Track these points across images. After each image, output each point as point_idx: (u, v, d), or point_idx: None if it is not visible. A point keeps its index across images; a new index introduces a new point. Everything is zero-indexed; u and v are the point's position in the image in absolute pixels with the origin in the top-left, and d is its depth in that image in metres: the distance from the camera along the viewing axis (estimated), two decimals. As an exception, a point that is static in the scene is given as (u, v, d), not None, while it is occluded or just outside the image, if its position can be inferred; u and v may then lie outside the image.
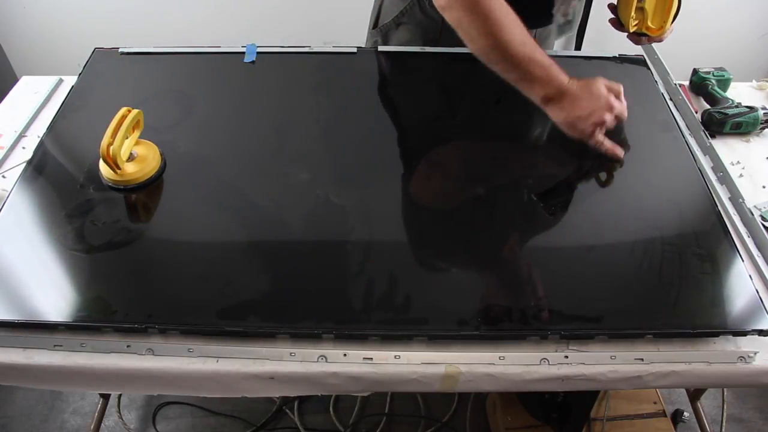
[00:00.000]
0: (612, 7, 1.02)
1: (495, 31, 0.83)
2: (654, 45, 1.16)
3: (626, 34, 1.01)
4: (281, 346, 0.71)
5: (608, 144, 0.90)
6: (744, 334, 0.72)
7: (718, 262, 0.79)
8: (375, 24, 1.18)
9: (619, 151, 0.90)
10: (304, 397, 1.49)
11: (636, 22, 0.97)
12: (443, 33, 1.10)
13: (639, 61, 1.13)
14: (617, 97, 0.89)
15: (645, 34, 0.98)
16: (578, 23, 1.15)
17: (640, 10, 0.95)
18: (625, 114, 0.89)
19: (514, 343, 0.72)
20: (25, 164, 0.91)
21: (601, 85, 0.87)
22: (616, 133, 0.96)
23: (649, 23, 0.96)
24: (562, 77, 0.86)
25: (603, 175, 0.91)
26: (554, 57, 1.13)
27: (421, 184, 0.91)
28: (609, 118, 0.87)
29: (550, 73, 0.86)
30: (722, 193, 0.92)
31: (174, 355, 0.70)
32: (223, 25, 1.91)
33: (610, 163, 0.91)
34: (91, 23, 1.87)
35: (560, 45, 1.18)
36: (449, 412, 1.49)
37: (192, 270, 0.78)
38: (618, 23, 1.01)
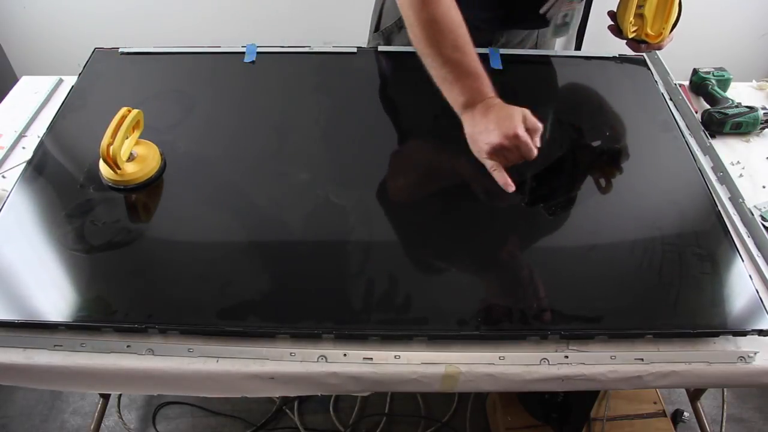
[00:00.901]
0: (611, 14, 1.01)
1: (430, 25, 0.83)
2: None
3: (625, 41, 1.01)
4: (281, 346, 0.71)
5: (498, 174, 0.84)
6: (744, 334, 0.72)
7: (718, 262, 0.79)
8: (377, 27, 1.18)
9: (509, 185, 0.83)
10: (304, 397, 1.49)
11: (635, 28, 0.96)
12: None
13: (639, 61, 1.13)
14: (532, 132, 0.81)
15: (644, 41, 0.97)
16: (577, 25, 1.15)
17: (640, 16, 0.94)
18: (532, 154, 0.81)
19: (514, 343, 0.72)
20: (25, 164, 0.91)
21: (517, 111, 0.82)
22: (615, 138, 0.96)
23: (648, 30, 0.95)
24: (486, 89, 0.84)
25: (603, 176, 0.91)
26: (554, 57, 1.14)
27: (420, 185, 0.91)
28: (507, 143, 0.80)
29: (474, 82, 0.84)
30: (722, 193, 0.92)
31: (174, 355, 0.70)
32: (223, 25, 1.91)
33: (611, 164, 0.91)
34: (91, 23, 1.87)
35: (561, 45, 1.18)
36: (449, 412, 1.49)
37: (192, 270, 0.78)
38: (617, 30, 1.00)
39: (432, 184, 0.92)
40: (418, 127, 1.01)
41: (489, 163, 0.84)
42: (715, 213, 0.85)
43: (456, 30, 0.84)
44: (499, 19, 1.08)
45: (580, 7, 1.12)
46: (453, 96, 0.85)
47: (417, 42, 0.86)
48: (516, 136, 0.80)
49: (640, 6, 0.93)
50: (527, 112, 0.83)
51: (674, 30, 0.96)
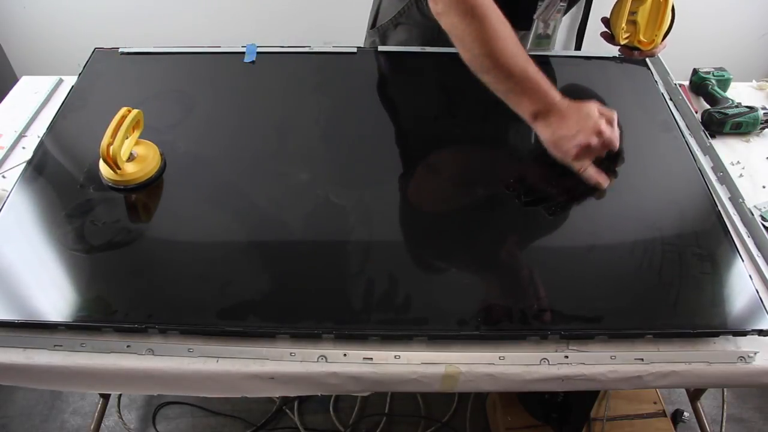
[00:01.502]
0: (605, 21, 1.01)
1: (489, 39, 0.82)
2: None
3: (618, 47, 1.00)
4: (281, 346, 0.71)
5: (592, 171, 0.86)
6: (744, 334, 0.72)
7: (718, 262, 0.79)
8: (373, 24, 1.18)
9: (603, 180, 0.86)
10: (304, 397, 1.49)
11: (627, 34, 0.95)
12: (441, 33, 1.10)
13: (639, 61, 1.13)
14: (609, 123, 0.84)
15: (636, 48, 0.96)
16: (556, 39, 1.15)
17: (632, 23, 0.93)
18: (616, 144, 0.84)
19: (514, 343, 0.72)
20: (25, 164, 0.91)
21: (593, 107, 0.84)
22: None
23: (641, 37, 0.94)
24: (553, 93, 0.84)
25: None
26: (554, 57, 1.14)
27: (420, 185, 0.91)
28: (595, 142, 0.82)
29: (540, 89, 0.83)
30: (722, 193, 0.92)
31: (174, 355, 0.70)
32: (223, 25, 1.91)
33: (611, 164, 0.91)
34: (91, 23, 1.87)
35: (561, 45, 1.18)
36: (449, 412, 1.49)
37: (192, 270, 0.78)
38: (609, 36, 1.00)
39: (431, 184, 0.92)
40: (418, 128, 1.01)
41: (577, 165, 0.85)
42: (715, 213, 0.85)
43: (509, 32, 0.83)
44: None
45: (560, 22, 1.11)
46: (523, 107, 0.85)
47: (472, 57, 0.85)
48: (601, 133, 0.82)
49: (632, 12, 0.93)
50: (597, 103, 0.84)
51: (667, 37, 0.96)
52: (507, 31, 0.83)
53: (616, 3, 0.96)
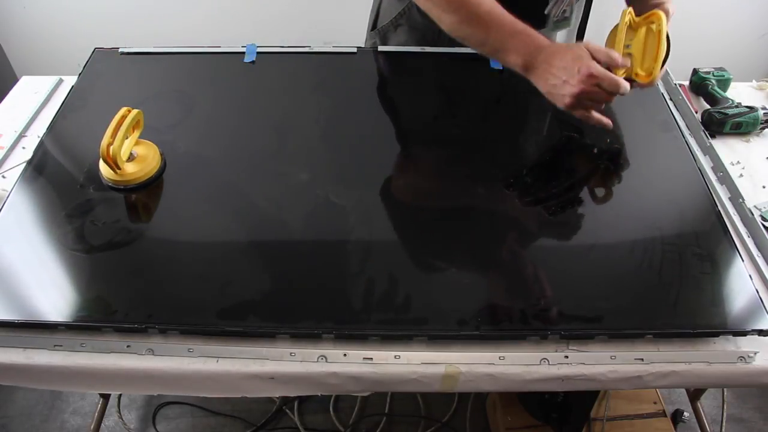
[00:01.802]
0: None
1: (463, 2, 0.82)
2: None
3: None
4: (281, 346, 0.71)
5: (595, 117, 0.82)
6: (744, 334, 0.72)
7: (718, 262, 0.79)
8: (374, 25, 1.18)
9: (606, 121, 0.83)
10: (304, 397, 1.49)
11: (623, 69, 0.92)
12: (441, 35, 1.10)
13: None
14: (604, 62, 0.78)
15: (633, 80, 0.90)
16: (578, 19, 1.14)
17: (628, 56, 0.89)
18: (618, 86, 0.78)
19: (514, 343, 0.72)
20: (25, 164, 0.91)
21: (582, 51, 0.78)
22: (615, 138, 0.96)
23: (638, 70, 0.89)
24: (538, 42, 0.81)
25: (603, 176, 0.91)
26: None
27: (420, 185, 0.91)
28: (587, 88, 0.77)
29: (524, 39, 0.81)
30: (722, 193, 0.92)
31: (174, 355, 0.70)
32: (223, 25, 1.91)
33: (611, 164, 0.92)
34: (91, 23, 1.87)
35: (561, 39, 1.18)
36: (449, 412, 1.49)
37: (192, 270, 0.78)
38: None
39: (432, 185, 0.92)
40: (418, 128, 1.01)
41: (578, 114, 0.82)
42: (715, 213, 0.85)
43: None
44: None
45: (580, 4, 1.11)
46: (512, 62, 0.82)
47: (454, 28, 0.85)
48: (592, 76, 0.77)
49: (627, 45, 0.89)
50: (590, 44, 0.80)
51: (665, 66, 0.91)
52: None
53: (609, 36, 0.92)
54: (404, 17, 1.12)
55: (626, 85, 0.80)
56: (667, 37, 0.88)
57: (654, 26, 0.86)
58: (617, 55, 0.82)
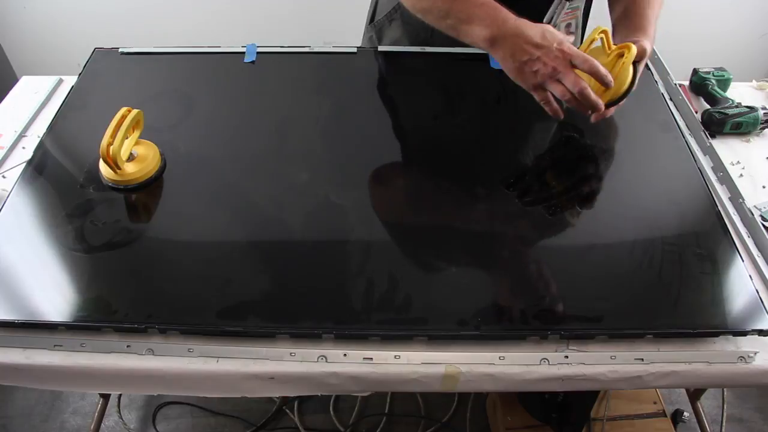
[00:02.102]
0: None
1: None
2: (654, 45, 1.15)
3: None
4: (281, 346, 0.71)
5: (554, 105, 0.79)
6: (744, 334, 0.72)
7: (718, 262, 0.79)
8: (371, 19, 1.18)
9: (559, 113, 0.80)
10: (304, 397, 1.49)
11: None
12: (434, 31, 1.10)
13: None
14: (579, 63, 0.75)
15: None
16: (581, 36, 1.13)
17: None
18: (599, 69, 0.75)
19: (514, 343, 0.72)
20: (25, 164, 0.91)
21: (554, 30, 0.76)
22: (615, 138, 0.96)
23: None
24: (505, 14, 0.76)
25: (603, 176, 0.91)
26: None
27: (420, 185, 0.91)
28: (560, 65, 0.73)
29: (491, 12, 0.76)
30: (722, 193, 0.92)
31: (174, 355, 0.70)
32: (223, 25, 1.91)
33: (611, 164, 0.91)
34: (91, 23, 1.87)
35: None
36: (449, 412, 1.49)
37: (192, 270, 0.78)
38: None
39: (432, 185, 0.92)
40: (418, 128, 1.01)
41: (539, 96, 0.78)
42: (715, 213, 0.85)
43: None
44: None
45: (580, 19, 1.10)
46: (474, 35, 0.77)
47: (412, 4, 0.82)
48: (566, 53, 0.74)
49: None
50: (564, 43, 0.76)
51: (620, 103, 0.87)
52: None
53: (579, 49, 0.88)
54: (398, 12, 1.12)
55: (603, 71, 0.76)
56: (634, 75, 0.85)
57: (623, 58, 0.83)
58: (595, 62, 0.77)
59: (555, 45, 0.75)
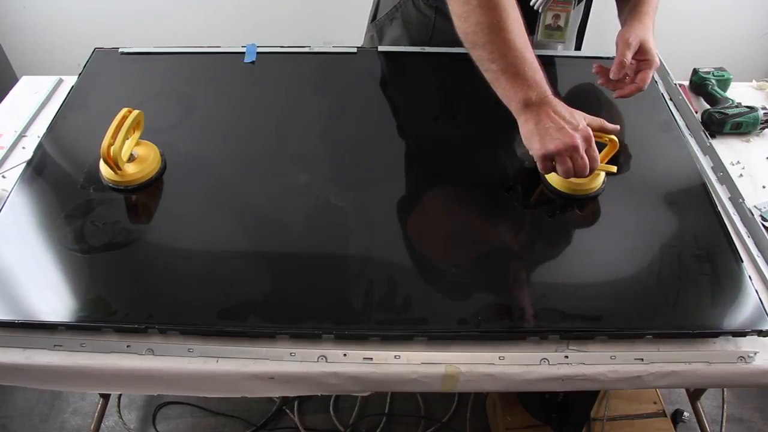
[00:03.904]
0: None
1: (497, 10, 0.77)
2: (654, 45, 1.16)
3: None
4: (281, 346, 0.71)
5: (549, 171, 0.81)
6: (744, 334, 0.72)
7: (718, 262, 0.79)
8: (373, 17, 1.18)
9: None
10: (304, 397, 1.49)
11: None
12: (435, 31, 1.10)
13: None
14: (596, 129, 0.79)
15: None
16: (574, 32, 1.13)
17: None
18: (585, 171, 0.78)
19: (514, 343, 0.72)
20: (25, 164, 0.91)
21: (581, 114, 0.80)
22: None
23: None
24: (546, 86, 0.80)
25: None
26: (554, 57, 1.14)
27: (420, 185, 0.91)
28: (580, 144, 0.76)
29: (537, 77, 0.78)
30: (722, 193, 0.92)
31: (174, 355, 0.70)
32: (223, 25, 1.91)
33: (611, 164, 0.91)
34: (91, 23, 1.87)
35: (560, 45, 1.17)
36: (449, 412, 1.49)
37: (192, 270, 0.78)
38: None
39: (431, 185, 0.92)
40: (418, 128, 1.01)
41: (543, 166, 0.80)
42: (715, 213, 0.85)
43: (516, 17, 0.79)
44: None
45: (578, 14, 1.10)
46: (515, 92, 0.79)
47: (470, 27, 0.80)
48: (588, 139, 0.77)
49: None
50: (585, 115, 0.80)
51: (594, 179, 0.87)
52: (515, 10, 0.79)
53: None
54: (399, 11, 1.12)
55: (586, 173, 0.79)
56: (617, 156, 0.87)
57: (608, 146, 0.85)
58: (611, 126, 0.82)
59: (581, 125, 0.78)
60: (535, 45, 1.08)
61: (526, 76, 0.79)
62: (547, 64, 1.12)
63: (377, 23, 1.16)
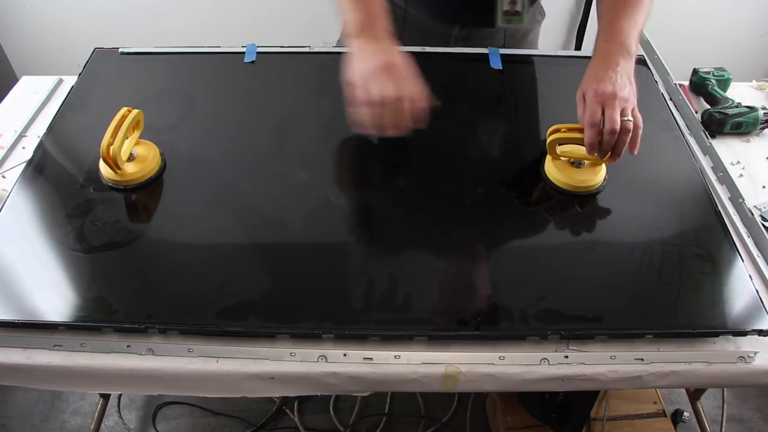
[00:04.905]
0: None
1: None
2: (654, 45, 1.16)
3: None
4: (281, 346, 0.71)
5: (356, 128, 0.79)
6: (744, 334, 0.72)
7: (718, 262, 0.79)
8: None
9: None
10: (304, 397, 1.49)
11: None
12: (407, 21, 1.09)
13: (639, 61, 1.13)
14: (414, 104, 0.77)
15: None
16: (533, 19, 1.11)
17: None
18: (404, 125, 0.77)
19: (514, 343, 0.72)
20: (25, 164, 0.91)
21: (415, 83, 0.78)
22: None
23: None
24: (382, 29, 0.78)
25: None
26: (554, 57, 1.14)
27: (420, 184, 0.91)
28: (402, 104, 0.75)
29: (363, 17, 0.78)
30: (722, 193, 0.92)
31: (174, 355, 0.70)
32: (223, 25, 1.91)
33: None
34: (91, 23, 1.87)
35: (560, 45, 1.17)
36: (449, 412, 1.49)
37: (192, 270, 0.78)
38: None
39: (431, 184, 0.91)
40: (418, 128, 1.01)
41: (354, 115, 0.78)
42: (715, 213, 0.85)
43: None
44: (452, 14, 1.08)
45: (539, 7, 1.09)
46: (350, 18, 0.80)
47: None
48: (400, 99, 0.76)
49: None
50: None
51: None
52: None
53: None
54: None
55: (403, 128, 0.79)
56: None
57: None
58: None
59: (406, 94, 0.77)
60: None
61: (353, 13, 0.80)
62: (547, 64, 1.12)
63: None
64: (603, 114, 0.79)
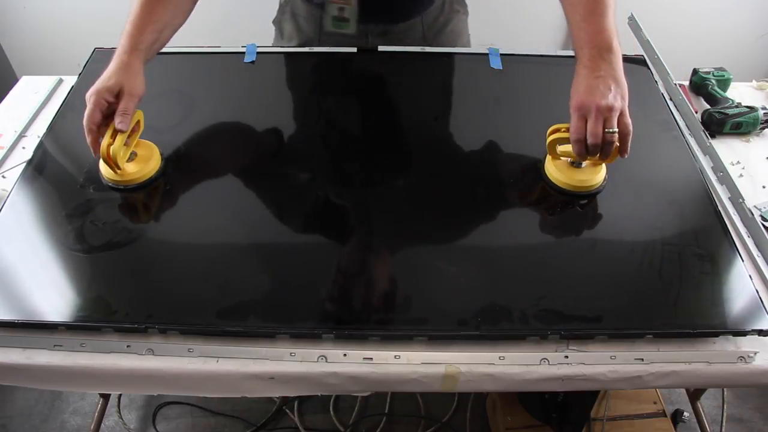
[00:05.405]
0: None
1: None
2: (654, 45, 1.16)
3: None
4: (281, 346, 0.71)
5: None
6: (744, 334, 0.72)
7: (718, 262, 0.79)
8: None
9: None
10: (304, 397, 1.49)
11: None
12: (322, 24, 1.10)
13: (639, 61, 1.13)
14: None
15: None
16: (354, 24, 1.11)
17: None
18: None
19: (514, 343, 0.72)
20: (25, 164, 0.91)
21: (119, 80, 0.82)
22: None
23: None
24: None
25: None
26: (554, 57, 1.14)
27: (420, 185, 0.91)
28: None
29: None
30: (722, 193, 0.92)
31: (174, 355, 0.70)
32: (223, 25, 1.91)
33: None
34: (91, 23, 1.87)
35: (561, 45, 1.17)
36: (449, 412, 1.49)
37: (192, 270, 0.78)
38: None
39: (431, 184, 0.92)
40: (418, 128, 1.01)
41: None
42: (715, 213, 0.85)
43: None
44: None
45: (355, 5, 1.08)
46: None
47: None
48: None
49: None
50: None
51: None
52: None
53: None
54: (288, 5, 1.14)
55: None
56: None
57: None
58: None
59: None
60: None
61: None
62: (547, 64, 1.12)
63: (276, 20, 1.17)
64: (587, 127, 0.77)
